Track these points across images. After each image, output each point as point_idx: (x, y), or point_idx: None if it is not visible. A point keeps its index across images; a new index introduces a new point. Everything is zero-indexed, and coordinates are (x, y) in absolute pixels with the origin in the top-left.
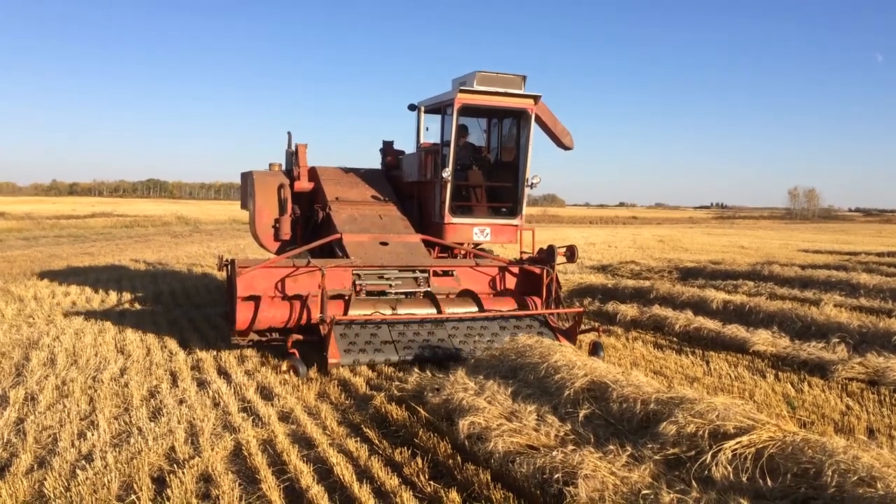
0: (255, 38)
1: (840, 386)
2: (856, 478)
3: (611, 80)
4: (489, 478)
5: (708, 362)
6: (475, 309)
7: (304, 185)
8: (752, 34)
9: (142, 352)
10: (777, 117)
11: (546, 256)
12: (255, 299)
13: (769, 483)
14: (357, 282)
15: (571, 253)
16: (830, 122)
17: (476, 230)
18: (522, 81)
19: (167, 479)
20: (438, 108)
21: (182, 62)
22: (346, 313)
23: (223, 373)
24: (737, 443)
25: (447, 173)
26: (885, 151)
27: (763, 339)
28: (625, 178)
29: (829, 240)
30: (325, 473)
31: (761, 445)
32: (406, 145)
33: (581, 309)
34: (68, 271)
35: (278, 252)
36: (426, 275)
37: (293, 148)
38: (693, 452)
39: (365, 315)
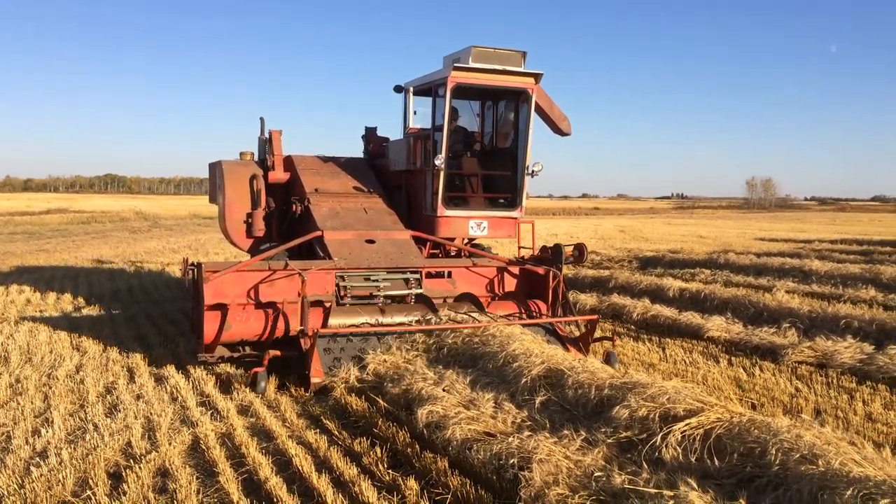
0: (214, 18)
1: (790, 369)
2: (798, 455)
3: (570, 74)
4: (447, 465)
5: (664, 349)
6: (479, 316)
7: (279, 175)
8: (707, 26)
9: (98, 348)
10: (735, 109)
11: (552, 256)
12: (225, 308)
13: (716, 463)
14: (341, 285)
15: (580, 252)
16: (787, 113)
17: (472, 224)
18: (522, 58)
19: (123, 474)
20: (429, 88)
21: (138, 52)
22: (325, 323)
23: (181, 368)
24: (686, 424)
25: (440, 160)
26: (840, 142)
27: (717, 326)
28: (587, 170)
29: (784, 228)
30: (283, 465)
31: (709, 427)
32: (390, 131)
33: (595, 316)
34: (23, 269)
35: (251, 250)
36: (418, 276)
37: (266, 135)
38: (644, 435)
39: (351, 326)
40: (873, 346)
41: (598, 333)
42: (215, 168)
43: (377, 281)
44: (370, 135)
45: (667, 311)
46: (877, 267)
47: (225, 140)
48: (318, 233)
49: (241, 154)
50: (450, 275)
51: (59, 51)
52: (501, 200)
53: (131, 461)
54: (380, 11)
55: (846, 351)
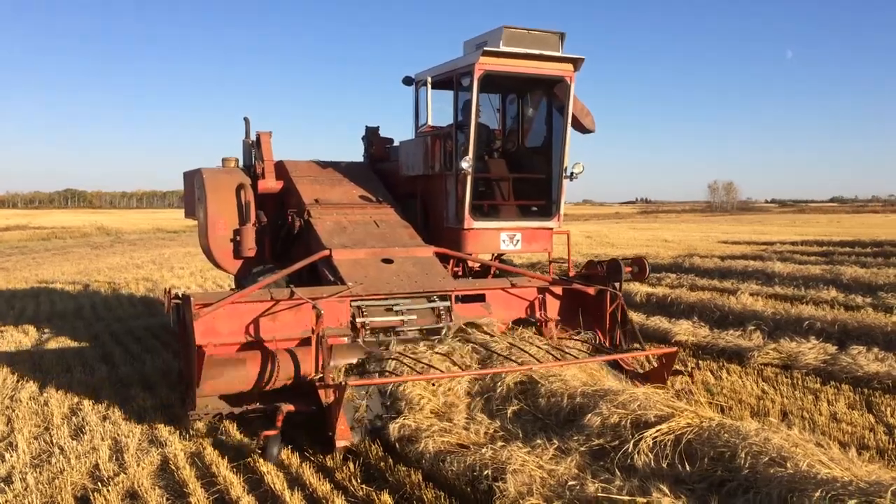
0: (170, 24)
1: (756, 371)
2: (767, 458)
3: None
4: (420, 478)
5: None
6: (538, 344)
7: (270, 184)
8: (666, 30)
9: (62, 368)
10: (696, 113)
11: (606, 272)
12: (221, 350)
13: (688, 468)
14: (357, 317)
15: (640, 267)
16: (746, 118)
17: (503, 237)
18: (560, 41)
19: (91, 497)
20: (449, 79)
21: (97, 62)
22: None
23: (148, 387)
24: (657, 430)
25: (468, 163)
26: (798, 144)
27: (684, 329)
28: None
29: (746, 231)
30: (255, 483)
31: (680, 432)
32: (390, 133)
33: (675, 349)
34: None
35: (240, 273)
36: (447, 303)
37: (253, 137)
38: (616, 442)
39: (390, 377)
40: (836, 347)
41: (693, 375)
42: (193, 177)
43: (400, 310)
44: (372, 136)
45: (634, 316)
46: (837, 268)
47: (191, 152)
48: (326, 252)
49: (224, 160)
50: (484, 298)
51: (11, 62)
52: (534, 208)
53: (99, 484)
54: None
55: (810, 352)
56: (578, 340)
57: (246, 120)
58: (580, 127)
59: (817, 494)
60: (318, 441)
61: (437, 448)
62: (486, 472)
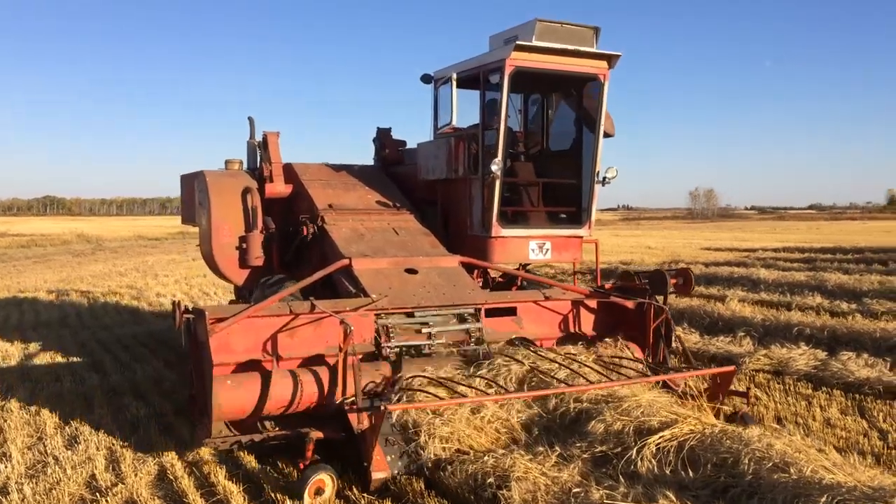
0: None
1: (748, 377)
2: (770, 464)
3: None
4: (423, 486)
5: None
6: (586, 361)
7: (279, 188)
8: (647, 38)
9: (51, 377)
10: (676, 120)
11: (650, 285)
12: (241, 370)
13: (691, 474)
14: (382, 332)
15: (686, 280)
16: (725, 126)
17: (533, 245)
18: (594, 36)
19: None
20: (475, 76)
21: (72, 66)
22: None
23: (140, 396)
24: (660, 437)
25: (497, 166)
26: (777, 151)
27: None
28: None
29: (728, 237)
30: (255, 492)
31: (683, 438)
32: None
33: (732, 368)
34: None
35: (246, 284)
36: (477, 316)
37: (259, 138)
38: (619, 449)
39: (434, 401)
40: (826, 353)
41: (750, 400)
42: (194, 180)
43: (427, 324)
44: (384, 138)
45: None
46: (821, 274)
47: (174, 160)
48: (345, 261)
49: (227, 163)
50: (515, 312)
51: None
52: (563, 215)
53: (97, 494)
54: None
55: (801, 358)
56: (626, 359)
57: (250, 120)
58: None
59: (823, 500)
60: (344, 471)
61: (439, 455)
62: (489, 480)
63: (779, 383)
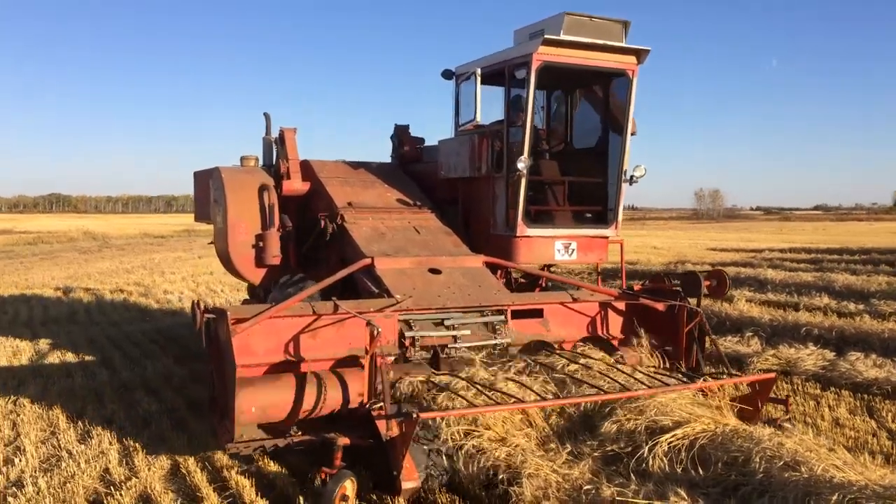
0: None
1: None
2: (781, 463)
3: None
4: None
5: None
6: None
7: (296, 185)
8: (649, 38)
9: (62, 373)
10: (682, 121)
11: (682, 286)
12: (261, 371)
13: (701, 472)
14: (407, 333)
15: (720, 282)
16: (731, 126)
17: (559, 245)
18: (623, 30)
19: (104, 501)
20: (500, 71)
21: (78, 66)
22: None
23: (152, 391)
24: (672, 436)
25: (524, 163)
26: (783, 152)
27: None
28: None
29: (734, 238)
30: (268, 487)
31: (694, 437)
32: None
33: (772, 375)
34: None
35: (263, 283)
36: (502, 318)
37: (275, 134)
38: (630, 448)
39: (466, 408)
40: (834, 353)
41: (790, 408)
42: (209, 177)
43: (453, 325)
44: (402, 135)
45: None
46: (828, 275)
47: (178, 157)
48: (367, 260)
49: (243, 159)
50: (542, 314)
51: None
52: (588, 215)
53: (111, 488)
54: None
55: (809, 358)
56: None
57: (266, 116)
58: None
59: (834, 498)
60: (372, 478)
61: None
62: (501, 477)
63: (787, 383)
